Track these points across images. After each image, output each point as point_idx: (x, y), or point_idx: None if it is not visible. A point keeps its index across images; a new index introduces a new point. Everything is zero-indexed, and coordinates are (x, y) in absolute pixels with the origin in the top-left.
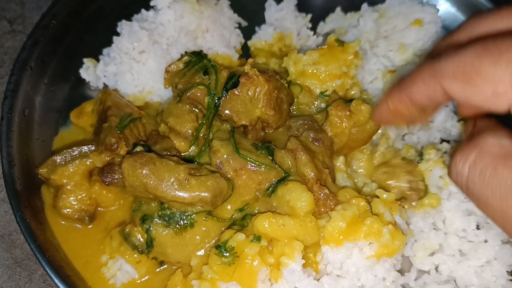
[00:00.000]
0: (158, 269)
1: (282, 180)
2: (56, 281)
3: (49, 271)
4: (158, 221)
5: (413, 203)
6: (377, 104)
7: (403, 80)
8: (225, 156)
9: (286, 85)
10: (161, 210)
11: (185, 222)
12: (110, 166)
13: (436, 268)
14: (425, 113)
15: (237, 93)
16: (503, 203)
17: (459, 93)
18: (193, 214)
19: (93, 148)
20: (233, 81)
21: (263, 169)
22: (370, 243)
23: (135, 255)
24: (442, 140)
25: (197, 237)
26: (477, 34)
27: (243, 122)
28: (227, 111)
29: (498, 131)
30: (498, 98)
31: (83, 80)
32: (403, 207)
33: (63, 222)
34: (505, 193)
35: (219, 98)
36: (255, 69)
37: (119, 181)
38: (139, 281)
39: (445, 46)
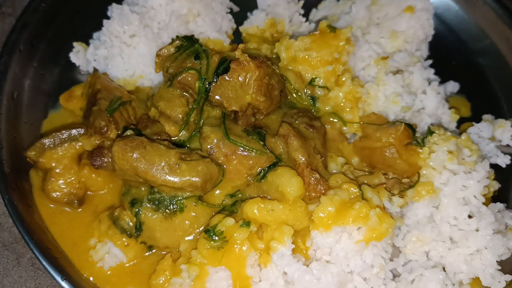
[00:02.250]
0: (146, 253)
1: (273, 166)
2: (44, 262)
3: (36, 253)
4: (148, 205)
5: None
6: None
7: None
8: (215, 141)
9: (278, 71)
10: (150, 194)
11: (174, 206)
12: (99, 149)
13: (427, 254)
14: None
15: (227, 78)
16: None
17: None
18: (183, 198)
19: (82, 131)
20: (224, 66)
21: (254, 154)
22: (359, 227)
23: (124, 239)
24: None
25: (186, 222)
26: None
27: (234, 108)
28: (217, 97)
29: None
30: None
31: (73, 63)
32: (394, 194)
33: (52, 205)
34: None
35: (210, 83)
36: (246, 54)
37: (108, 165)
38: (127, 264)
39: None
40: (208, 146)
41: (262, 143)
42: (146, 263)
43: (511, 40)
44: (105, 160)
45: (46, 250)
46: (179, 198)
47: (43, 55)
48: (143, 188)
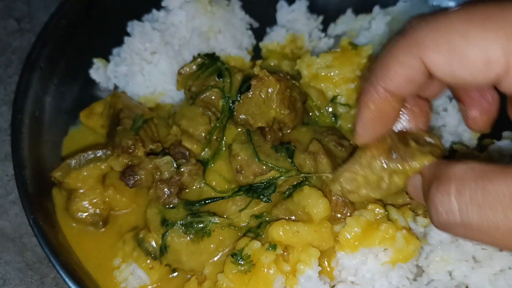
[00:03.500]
0: (170, 276)
1: (299, 184)
2: (70, 284)
3: (63, 275)
4: (178, 229)
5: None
6: (356, 119)
7: (373, 71)
8: (245, 158)
9: (298, 85)
10: (187, 218)
11: (204, 231)
12: (130, 168)
13: (450, 274)
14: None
15: (250, 96)
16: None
17: (444, 68)
18: (214, 222)
19: (108, 152)
20: (247, 84)
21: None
22: (385, 249)
23: (148, 261)
24: (454, 144)
25: (212, 245)
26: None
27: (260, 124)
28: (242, 116)
29: (451, 163)
30: (490, 66)
31: (93, 80)
32: (419, 214)
33: (75, 225)
34: (508, 205)
35: (233, 101)
36: (265, 70)
37: (142, 182)
38: (150, 287)
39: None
40: (238, 166)
41: (290, 160)
42: (170, 285)
43: None
44: (137, 178)
45: (73, 271)
46: (216, 221)
47: (63, 72)
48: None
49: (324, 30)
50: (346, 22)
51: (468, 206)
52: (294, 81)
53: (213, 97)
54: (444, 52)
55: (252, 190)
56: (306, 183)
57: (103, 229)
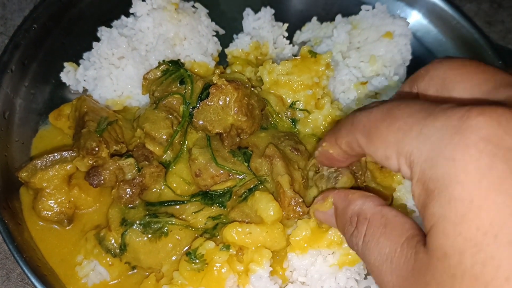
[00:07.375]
0: (130, 272)
1: (254, 188)
2: (33, 279)
3: (26, 270)
4: (136, 228)
5: None
6: (320, 145)
7: (337, 123)
8: (203, 162)
9: (256, 92)
10: (145, 219)
11: (163, 231)
12: (95, 169)
13: None
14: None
15: (208, 103)
16: (380, 269)
17: (367, 149)
18: (171, 223)
19: (74, 154)
20: (208, 91)
21: (239, 176)
22: (333, 252)
23: (108, 259)
24: None
25: (170, 245)
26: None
27: (217, 130)
28: (200, 122)
29: (371, 197)
30: (388, 161)
31: (63, 83)
32: None
33: (41, 223)
34: (382, 261)
35: (193, 107)
36: (223, 79)
37: (106, 181)
38: (110, 283)
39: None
40: (197, 169)
41: (246, 164)
42: (129, 282)
43: (485, 62)
44: (101, 178)
45: (36, 268)
46: (173, 222)
47: (34, 75)
48: (137, 210)
49: (290, 37)
50: (311, 30)
51: (365, 248)
52: (253, 89)
53: (174, 103)
54: (365, 138)
55: (208, 197)
56: (261, 186)
57: (69, 227)
